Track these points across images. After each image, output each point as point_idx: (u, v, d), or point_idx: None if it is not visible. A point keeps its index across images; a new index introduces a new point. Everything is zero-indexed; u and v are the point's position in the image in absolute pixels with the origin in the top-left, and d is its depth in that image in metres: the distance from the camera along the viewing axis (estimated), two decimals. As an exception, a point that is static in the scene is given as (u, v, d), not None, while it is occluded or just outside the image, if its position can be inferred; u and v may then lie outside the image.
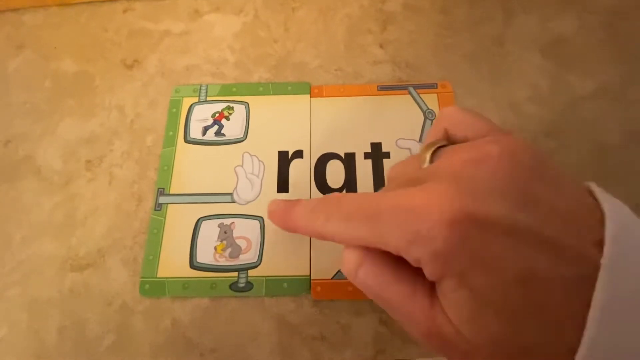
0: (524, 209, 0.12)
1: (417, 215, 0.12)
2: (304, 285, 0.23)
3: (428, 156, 0.15)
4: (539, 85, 0.29)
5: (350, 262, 0.15)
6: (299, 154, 0.27)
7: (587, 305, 0.11)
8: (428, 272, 0.13)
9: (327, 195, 0.17)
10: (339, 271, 0.23)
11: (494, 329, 0.12)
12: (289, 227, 0.18)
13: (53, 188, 0.27)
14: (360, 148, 0.27)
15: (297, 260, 0.24)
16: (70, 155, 0.28)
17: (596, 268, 0.11)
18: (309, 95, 0.29)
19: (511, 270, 0.12)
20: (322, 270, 0.23)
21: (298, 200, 0.18)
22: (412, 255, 0.13)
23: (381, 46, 0.31)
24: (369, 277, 0.15)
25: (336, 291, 0.23)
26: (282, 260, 0.24)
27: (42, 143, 0.29)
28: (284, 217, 0.19)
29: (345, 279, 0.23)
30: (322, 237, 0.16)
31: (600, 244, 0.11)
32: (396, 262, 0.14)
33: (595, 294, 0.11)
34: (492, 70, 0.30)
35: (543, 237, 0.12)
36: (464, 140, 0.16)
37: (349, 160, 0.26)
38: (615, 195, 0.14)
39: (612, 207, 0.12)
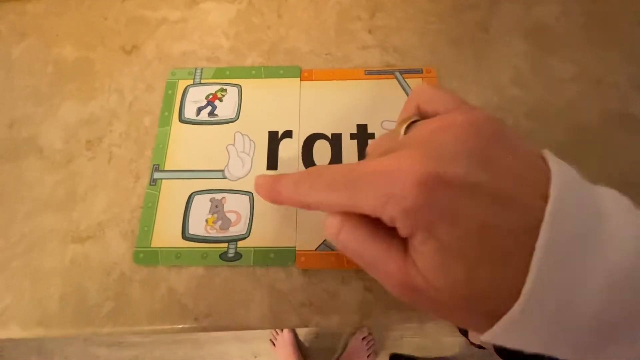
0: (483, 169, 0.14)
1: (390, 178, 0.14)
2: (289, 255, 0.24)
3: (402, 130, 0.17)
4: (521, 69, 0.30)
5: (332, 227, 0.16)
6: (288, 134, 0.28)
7: (533, 251, 0.12)
8: (400, 228, 0.14)
9: (310, 167, 0.18)
10: (322, 243, 0.25)
11: (455, 276, 0.13)
12: (274, 199, 0.19)
13: (55, 166, 0.29)
14: (347, 129, 0.28)
15: (284, 233, 0.25)
16: (71, 136, 0.29)
17: (541, 219, 0.12)
18: (299, 79, 0.30)
19: (471, 222, 0.13)
20: (307, 242, 0.25)
21: (282, 175, 0.19)
22: (387, 214, 0.14)
23: (370, 32, 0.32)
24: (349, 239, 0.16)
25: (319, 261, 0.24)
26: (270, 232, 0.25)
27: (44, 124, 0.30)
28: (270, 190, 0.19)
29: (329, 250, 0.24)
30: (307, 206, 0.17)
31: (546, 197, 0.13)
32: (373, 224, 0.16)
33: (539, 238, 0.12)
34: (477, 55, 0.31)
35: (498, 193, 0.13)
36: (435, 115, 0.17)
37: (335, 141, 0.28)
38: (592, 172, 0.15)
39: (559, 168, 0.14)
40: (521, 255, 0.12)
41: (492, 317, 0.13)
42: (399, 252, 0.15)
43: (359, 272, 0.24)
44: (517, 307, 0.12)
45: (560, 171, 0.13)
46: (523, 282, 0.12)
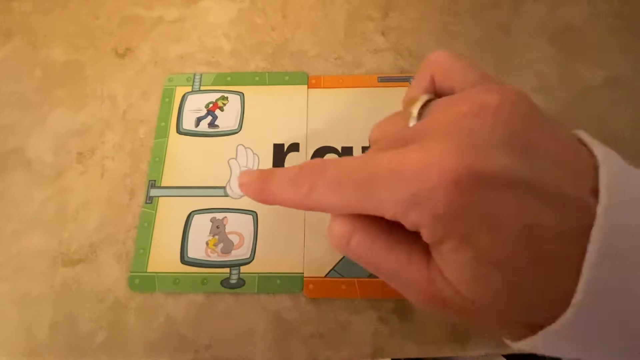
0: (525, 159, 0.11)
1: (415, 177, 0.12)
2: (297, 282, 0.23)
3: (415, 112, 0.14)
4: (546, 75, 0.28)
5: (340, 234, 0.14)
6: (295, 147, 0.26)
7: (584, 253, 0.11)
8: (427, 235, 0.12)
9: (309, 161, 0.15)
10: (332, 269, 0.23)
11: (495, 286, 0.12)
12: (267, 200, 0.16)
13: (43, 181, 0.26)
14: (358, 142, 0.26)
15: (291, 257, 0.23)
16: (61, 147, 0.27)
17: (593, 216, 0.11)
18: (306, 86, 0.27)
19: (515, 226, 0.11)
20: (316, 268, 0.23)
21: (274, 170, 0.16)
22: (410, 219, 0.12)
23: (383, 34, 0.30)
24: (362, 247, 0.14)
25: (329, 289, 0.22)
26: (276, 256, 0.23)
27: (31, 134, 0.28)
28: (260, 189, 0.16)
29: (340, 276, 0.23)
30: (308, 208, 0.15)
31: (595, 191, 0.11)
32: (389, 228, 0.13)
33: (591, 239, 0.11)
34: (499, 59, 0.28)
35: (544, 188, 0.11)
36: (451, 91, 0.15)
37: (346, 155, 0.25)
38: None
39: (605, 154, 0.12)
40: (571, 259, 0.11)
41: (533, 327, 0.12)
42: (421, 260, 0.13)
43: (371, 301, 0.23)
44: (565, 317, 0.11)
45: (606, 158, 0.12)
46: (573, 290, 0.11)
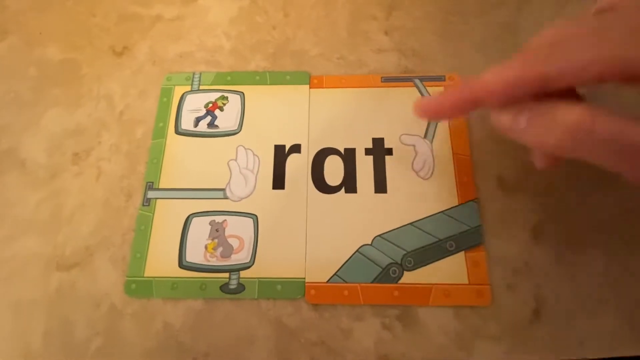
0: None
1: None
2: (298, 288, 0.22)
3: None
4: (553, 76, 0.27)
5: (580, 119, 0.14)
6: (296, 148, 0.25)
7: None
8: None
9: (523, 50, 0.16)
10: (335, 274, 0.22)
11: None
12: (479, 97, 0.16)
13: (38, 182, 0.26)
14: (361, 143, 0.25)
15: (292, 262, 0.22)
16: (56, 148, 0.27)
17: None
18: (308, 86, 0.27)
19: None
20: (318, 273, 0.22)
21: (468, 81, 0.17)
22: None
23: (386, 33, 0.29)
24: (609, 125, 0.13)
25: (331, 295, 0.22)
26: (276, 261, 0.23)
27: (26, 135, 0.27)
28: (466, 92, 0.16)
29: (342, 282, 0.22)
30: (541, 80, 0.14)
31: None
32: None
33: None
34: (504, 59, 0.28)
35: None
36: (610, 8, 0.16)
37: (348, 156, 0.25)
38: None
39: None
40: None
41: None
42: None
43: (375, 307, 0.22)
44: None
45: None
46: None
